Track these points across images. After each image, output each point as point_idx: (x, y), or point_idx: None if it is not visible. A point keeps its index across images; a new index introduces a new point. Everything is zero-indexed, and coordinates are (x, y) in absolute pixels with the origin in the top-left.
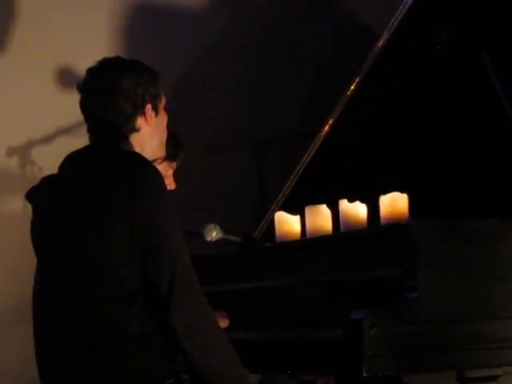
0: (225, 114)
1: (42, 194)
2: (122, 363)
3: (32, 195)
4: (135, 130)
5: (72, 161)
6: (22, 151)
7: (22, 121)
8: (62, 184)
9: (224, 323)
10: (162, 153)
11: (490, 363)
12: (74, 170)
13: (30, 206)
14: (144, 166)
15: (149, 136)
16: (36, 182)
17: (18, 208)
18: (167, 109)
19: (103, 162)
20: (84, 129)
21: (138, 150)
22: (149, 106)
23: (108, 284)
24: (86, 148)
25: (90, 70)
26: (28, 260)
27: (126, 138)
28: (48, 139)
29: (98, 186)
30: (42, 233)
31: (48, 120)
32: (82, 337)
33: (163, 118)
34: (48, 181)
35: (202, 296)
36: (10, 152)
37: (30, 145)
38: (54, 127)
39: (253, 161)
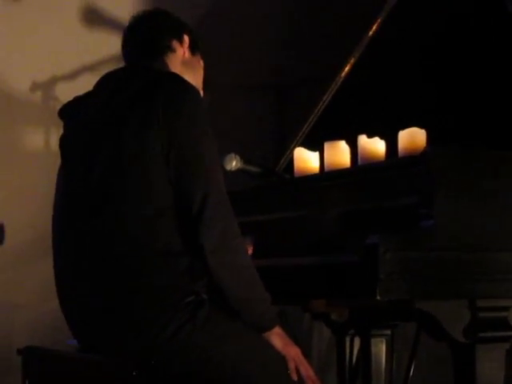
0: (248, 56)
1: (77, 110)
2: (146, 277)
3: (65, 111)
4: (170, 49)
5: (110, 79)
6: (46, 87)
7: (47, 57)
8: (98, 101)
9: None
10: None
11: (502, 294)
12: (112, 87)
13: (52, 141)
14: (183, 83)
15: (183, 65)
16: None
17: (41, 143)
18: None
19: (142, 79)
20: (108, 67)
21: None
22: (186, 38)
23: (139, 199)
24: (123, 67)
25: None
26: (50, 194)
27: (162, 56)
28: (72, 76)
29: (136, 102)
30: (74, 148)
31: (72, 57)
32: (108, 249)
33: (199, 65)
34: (83, 98)
35: (233, 216)
36: (34, 87)
37: (53, 81)
38: (78, 64)
39: (275, 103)
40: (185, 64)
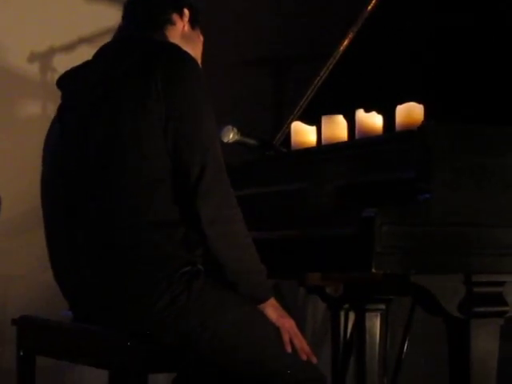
0: (247, 31)
1: (75, 80)
2: (142, 247)
3: (63, 81)
4: (170, 22)
5: (109, 49)
6: (44, 58)
7: (45, 27)
8: (97, 70)
9: None
10: None
11: (498, 269)
12: (111, 57)
13: (49, 112)
14: (183, 54)
15: (183, 38)
16: (56, 89)
17: (38, 114)
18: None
19: (141, 49)
20: (106, 39)
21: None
22: (187, 12)
23: (136, 169)
24: (121, 37)
25: None
26: None
27: (161, 28)
28: (70, 47)
29: (135, 72)
30: (71, 118)
31: (70, 28)
32: (104, 221)
33: (198, 40)
34: (81, 67)
35: (230, 187)
36: (32, 58)
37: (51, 52)
38: (76, 36)
39: (273, 77)
40: (184, 38)
